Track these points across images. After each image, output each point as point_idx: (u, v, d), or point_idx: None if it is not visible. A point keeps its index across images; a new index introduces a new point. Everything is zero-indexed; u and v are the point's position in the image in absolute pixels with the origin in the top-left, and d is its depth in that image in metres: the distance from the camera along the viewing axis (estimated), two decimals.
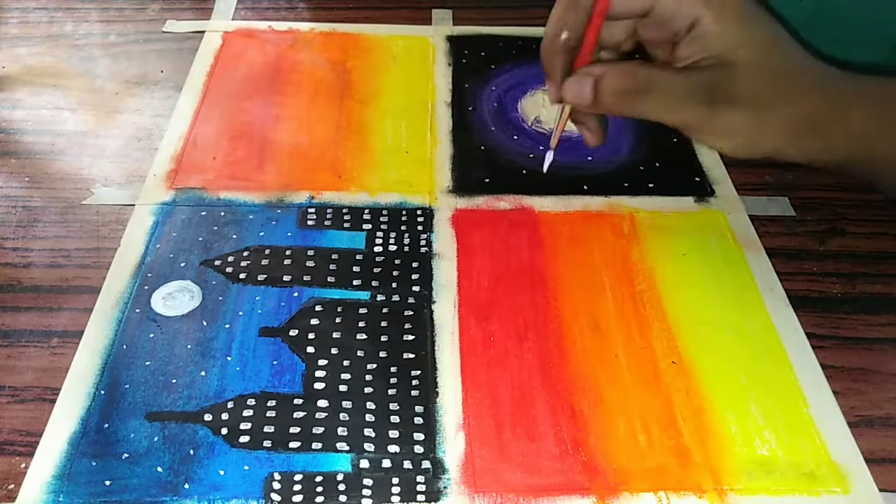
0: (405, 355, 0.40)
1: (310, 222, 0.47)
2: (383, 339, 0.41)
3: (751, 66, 0.39)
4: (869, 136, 0.41)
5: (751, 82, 0.39)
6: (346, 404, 0.38)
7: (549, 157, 0.45)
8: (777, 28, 0.40)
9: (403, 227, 0.47)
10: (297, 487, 0.35)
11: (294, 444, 0.36)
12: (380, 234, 0.47)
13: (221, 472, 0.35)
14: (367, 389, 0.39)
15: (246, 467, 0.36)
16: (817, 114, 0.40)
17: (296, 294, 0.43)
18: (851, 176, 0.46)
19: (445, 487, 0.35)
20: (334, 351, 0.40)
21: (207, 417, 0.37)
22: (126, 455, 0.36)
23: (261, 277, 0.44)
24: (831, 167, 0.43)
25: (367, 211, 0.48)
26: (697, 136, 0.41)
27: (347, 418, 0.38)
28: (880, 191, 0.50)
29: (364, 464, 0.36)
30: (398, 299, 0.43)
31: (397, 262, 0.45)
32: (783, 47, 0.40)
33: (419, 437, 0.37)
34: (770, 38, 0.39)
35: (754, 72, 0.39)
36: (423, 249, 0.46)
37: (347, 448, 0.36)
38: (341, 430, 0.37)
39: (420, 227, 0.47)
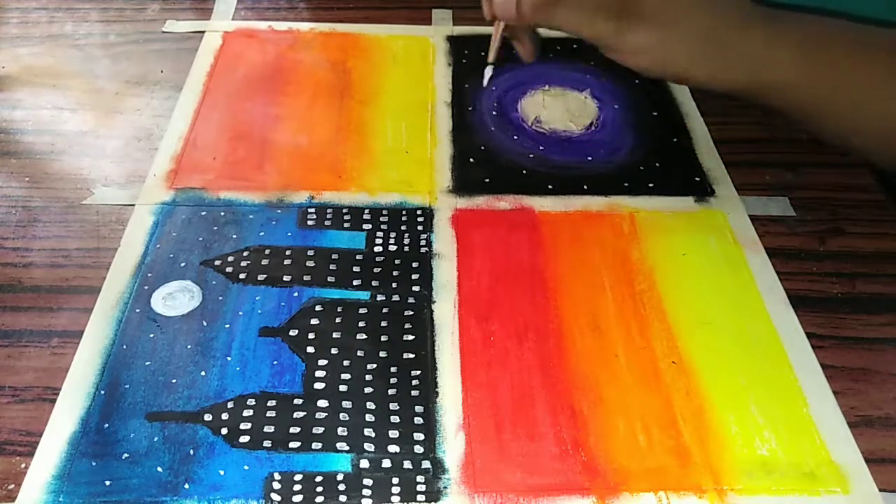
0: (405, 355, 0.40)
1: (310, 222, 0.47)
2: (383, 339, 0.41)
3: None
4: (768, 62, 0.43)
5: (654, 2, 0.42)
6: (346, 404, 0.38)
7: (488, 72, 0.51)
8: None
9: (403, 227, 0.47)
10: (297, 487, 0.35)
11: (294, 444, 0.36)
12: (380, 234, 0.47)
13: (221, 472, 0.35)
14: (367, 389, 0.39)
15: (246, 467, 0.36)
16: (717, 32, 0.43)
17: (296, 294, 0.43)
18: (764, 107, 0.47)
19: (445, 487, 0.35)
20: (334, 351, 0.40)
21: (207, 417, 0.37)
22: (126, 455, 0.36)
23: (261, 277, 0.44)
24: (740, 94, 0.45)
25: (367, 211, 0.48)
26: (611, 53, 0.44)
27: (347, 418, 0.38)
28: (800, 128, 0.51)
29: (364, 464, 0.36)
30: (398, 299, 0.43)
31: (397, 262, 0.45)
32: None
33: (419, 437, 0.37)
34: None
35: None
36: (423, 249, 0.46)
37: (347, 448, 0.36)
38: (341, 430, 0.37)
39: (420, 227, 0.47)
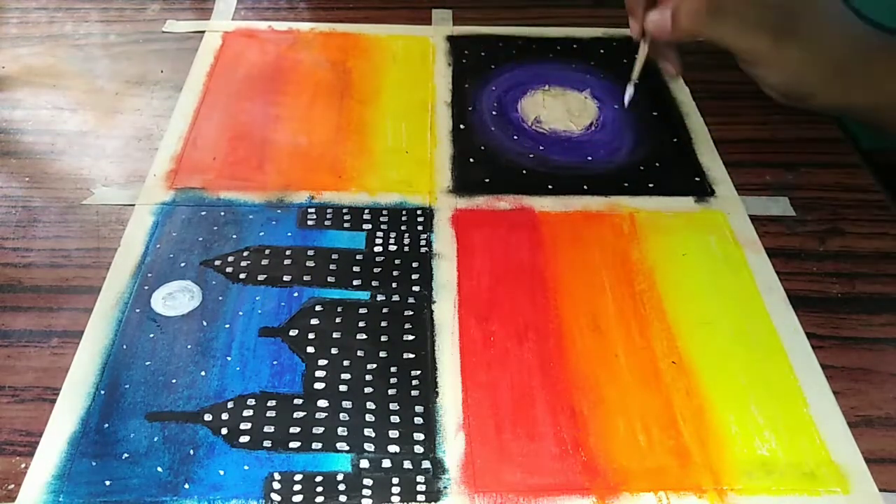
0: (405, 355, 0.40)
1: (310, 222, 0.47)
2: (383, 339, 0.41)
3: (812, 7, 0.45)
4: (885, 86, 0.47)
5: (812, 22, 0.45)
6: (346, 404, 0.38)
7: (630, 91, 0.53)
8: None
9: (403, 227, 0.47)
10: (297, 487, 0.35)
11: (294, 444, 0.36)
12: (380, 234, 0.47)
13: (221, 472, 0.35)
14: (367, 389, 0.39)
15: (246, 467, 0.36)
16: (849, 57, 0.46)
17: (296, 294, 0.43)
18: (870, 123, 0.53)
19: (445, 487, 0.35)
20: (334, 351, 0.40)
21: (207, 417, 0.37)
22: (126, 455, 0.36)
23: (261, 277, 0.44)
24: (855, 116, 0.52)
25: (367, 211, 0.48)
26: (756, 66, 0.47)
27: (347, 418, 0.38)
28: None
29: (364, 464, 0.36)
30: (398, 299, 0.43)
31: (397, 262, 0.45)
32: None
33: (419, 437, 0.37)
34: None
35: (815, 14, 0.45)
36: (423, 249, 0.46)
37: (347, 448, 0.36)
38: (341, 430, 0.37)
39: (420, 227, 0.47)
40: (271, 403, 0.38)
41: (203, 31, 0.63)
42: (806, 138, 0.55)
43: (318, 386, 0.39)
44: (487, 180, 0.51)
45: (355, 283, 0.44)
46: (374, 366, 0.40)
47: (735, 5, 0.45)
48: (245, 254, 0.45)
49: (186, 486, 0.35)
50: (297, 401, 0.38)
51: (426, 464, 0.36)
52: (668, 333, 0.42)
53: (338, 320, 0.42)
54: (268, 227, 0.47)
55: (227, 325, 0.41)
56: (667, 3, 0.46)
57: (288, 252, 0.45)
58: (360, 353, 0.40)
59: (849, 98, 0.47)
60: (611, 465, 0.36)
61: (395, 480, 0.35)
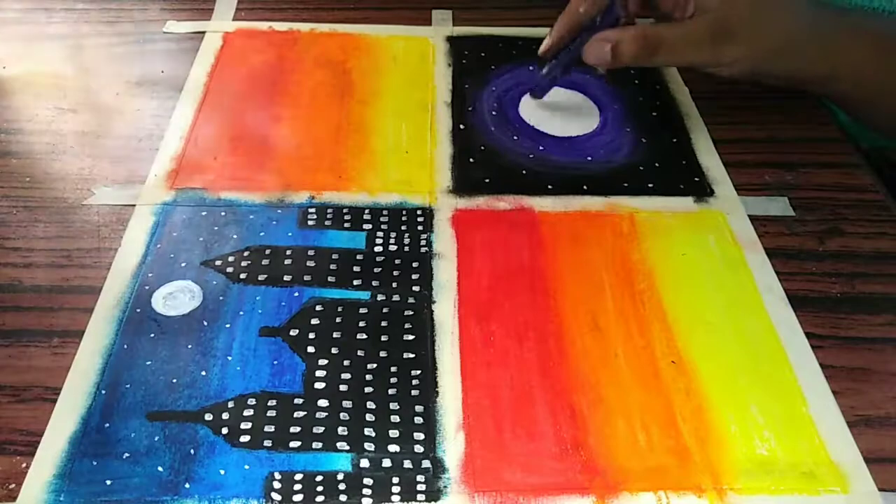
0: (405, 355, 0.40)
1: (310, 222, 0.47)
2: (383, 338, 0.41)
3: (742, 7, 0.48)
4: (844, 57, 0.51)
5: (744, 20, 0.48)
6: (347, 404, 0.38)
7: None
8: None
9: (403, 227, 0.47)
10: (297, 487, 0.35)
11: (294, 444, 0.37)
12: (380, 234, 0.47)
13: (222, 472, 0.35)
14: (368, 389, 0.39)
15: (246, 467, 0.36)
16: (797, 37, 0.50)
17: (296, 294, 0.43)
18: (834, 99, 0.56)
19: (445, 487, 0.35)
20: (334, 351, 0.41)
21: (208, 417, 0.37)
22: (127, 454, 0.36)
23: (261, 277, 0.44)
24: (813, 88, 0.54)
25: (367, 211, 0.48)
26: (703, 69, 0.51)
27: (347, 418, 0.38)
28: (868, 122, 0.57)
29: (364, 463, 0.36)
30: (398, 299, 0.43)
31: (397, 262, 0.45)
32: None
33: (419, 436, 0.37)
34: None
35: (746, 11, 0.48)
36: (423, 249, 0.46)
37: (347, 448, 0.36)
38: (341, 430, 0.37)
39: (420, 227, 0.47)
40: (272, 403, 0.38)
41: (203, 32, 0.64)
42: (805, 138, 0.55)
43: (319, 385, 0.39)
44: (487, 180, 0.51)
45: (355, 282, 0.44)
46: (375, 365, 0.40)
47: (672, 39, 0.49)
48: (245, 254, 0.45)
49: (187, 485, 0.35)
50: (298, 400, 0.38)
51: (426, 463, 0.36)
52: (667, 333, 0.42)
53: (338, 320, 0.42)
54: (268, 227, 0.47)
55: (228, 325, 0.41)
56: (604, 37, 0.49)
57: (288, 252, 0.46)
58: (360, 353, 0.41)
59: (811, 70, 0.51)
60: (610, 465, 0.36)
61: (396, 480, 0.35)
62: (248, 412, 0.38)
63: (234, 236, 0.46)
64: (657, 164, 0.53)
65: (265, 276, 0.44)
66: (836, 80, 0.51)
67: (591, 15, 0.52)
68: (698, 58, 0.50)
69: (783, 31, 0.50)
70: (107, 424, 0.37)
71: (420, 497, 0.35)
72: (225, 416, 0.37)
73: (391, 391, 0.39)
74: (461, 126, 0.55)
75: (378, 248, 0.46)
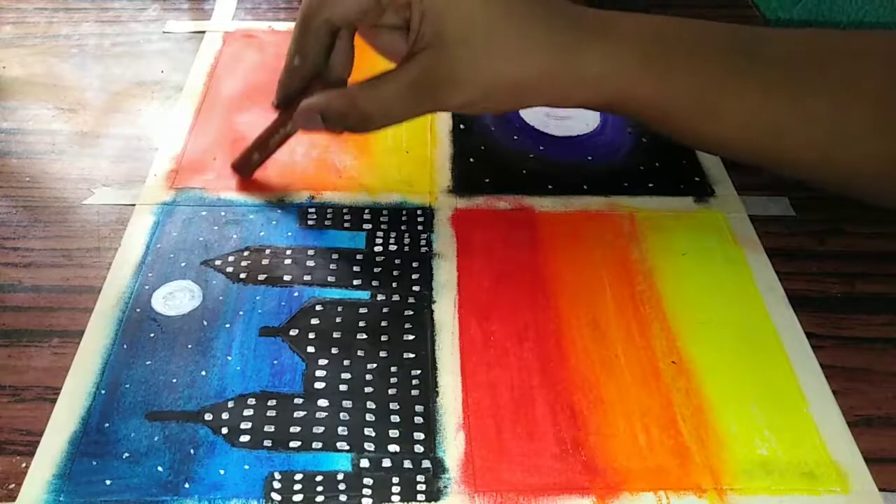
0: (405, 355, 0.40)
1: (310, 222, 0.47)
2: (383, 338, 0.41)
3: (458, 47, 0.39)
4: (613, 78, 0.40)
5: (464, 64, 0.39)
6: (347, 404, 0.38)
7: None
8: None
9: (403, 227, 0.47)
10: (297, 487, 0.35)
11: (294, 444, 0.36)
12: (380, 233, 0.47)
13: (222, 472, 0.35)
14: (368, 389, 0.39)
15: (246, 467, 0.36)
16: (548, 70, 0.39)
17: (296, 294, 0.43)
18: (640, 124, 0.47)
19: (445, 487, 0.35)
20: (334, 350, 0.40)
21: (208, 417, 0.37)
22: (126, 454, 0.36)
23: (261, 277, 0.44)
24: (606, 110, 0.44)
25: (367, 211, 0.48)
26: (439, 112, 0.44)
27: (347, 418, 0.38)
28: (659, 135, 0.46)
29: (364, 463, 0.36)
30: (398, 299, 0.43)
31: (397, 261, 0.45)
32: (491, 21, 0.39)
33: (419, 436, 0.37)
34: (479, 11, 0.39)
35: (462, 52, 0.39)
36: (423, 249, 0.46)
37: (347, 447, 0.36)
38: (341, 430, 0.37)
39: (420, 227, 0.47)
40: (271, 403, 0.38)
41: (203, 32, 0.64)
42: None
43: (319, 385, 0.39)
44: (487, 180, 0.51)
45: (355, 282, 0.44)
46: (375, 365, 0.40)
47: (379, 97, 0.41)
48: (245, 253, 0.45)
49: (187, 485, 0.35)
50: (298, 400, 0.38)
51: (426, 463, 0.36)
52: (667, 333, 0.42)
53: (338, 320, 0.42)
54: (268, 227, 0.47)
55: (228, 325, 0.41)
56: (309, 105, 0.42)
57: (288, 252, 0.46)
58: (360, 353, 0.40)
59: (581, 97, 0.42)
60: (611, 465, 0.36)
61: (396, 480, 0.35)
62: (247, 412, 0.38)
63: (234, 236, 0.46)
64: (657, 164, 0.53)
65: (265, 275, 0.44)
66: (618, 105, 0.42)
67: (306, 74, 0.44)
68: (416, 113, 0.42)
69: (527, 69, 0.39)
70: (107, 424, 0.37)
71: (420, 497, 0.35)
72: (225, 416, 0.37)
73: (391, 391, 0.39)
74: (461, 126, 0.55)
75: (378, 248, 0.46)
